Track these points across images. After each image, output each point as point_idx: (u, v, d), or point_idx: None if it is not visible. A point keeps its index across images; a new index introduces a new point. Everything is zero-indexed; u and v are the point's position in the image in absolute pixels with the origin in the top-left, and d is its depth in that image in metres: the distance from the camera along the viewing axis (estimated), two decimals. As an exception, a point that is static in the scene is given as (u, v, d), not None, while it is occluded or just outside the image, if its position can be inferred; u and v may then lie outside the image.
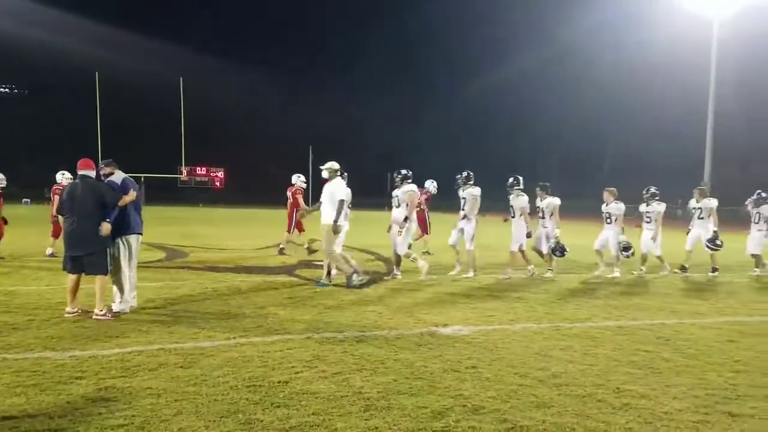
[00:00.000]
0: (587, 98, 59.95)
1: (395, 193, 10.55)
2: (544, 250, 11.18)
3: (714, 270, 11.67)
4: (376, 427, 3.73)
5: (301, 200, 13.80)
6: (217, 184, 55.24)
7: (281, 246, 13.94)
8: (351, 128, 69.07)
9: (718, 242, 11.60)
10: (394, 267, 10.53)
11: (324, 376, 4.71)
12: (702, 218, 11.91)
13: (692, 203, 12.22)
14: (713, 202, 11.86)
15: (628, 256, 11.26)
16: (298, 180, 13.98)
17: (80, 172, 6.87)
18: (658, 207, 11.63)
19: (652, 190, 11.70)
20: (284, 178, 14.70)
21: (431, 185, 14.40)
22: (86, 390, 4.28)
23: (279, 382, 4.54)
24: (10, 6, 50.67)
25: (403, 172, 10.55)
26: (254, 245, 16.36)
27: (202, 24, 69.32)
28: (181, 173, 53.90)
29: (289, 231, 13.94)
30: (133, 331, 6.07)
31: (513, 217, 10.97)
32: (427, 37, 70.88)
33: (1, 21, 51.32)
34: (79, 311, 6.71)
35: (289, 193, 14.06)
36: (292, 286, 9.32)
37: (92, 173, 6.97)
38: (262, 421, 3.79)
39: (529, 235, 10.86)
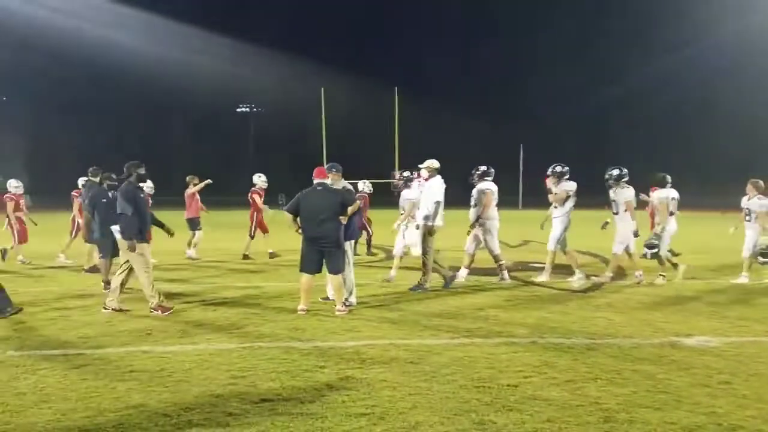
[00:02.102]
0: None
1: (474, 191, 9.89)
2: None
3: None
4: (619, 441, 3.48)
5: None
6: (426, 188, 56.86)
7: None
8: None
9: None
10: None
11: (555, 383, 4.53)
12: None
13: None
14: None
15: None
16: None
17: (316, 180, 7.44)
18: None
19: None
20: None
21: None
22: (329, 378, 4.64)
23: (508, 386, 4.48)
24: (237, 48, 59.29)
25: (482, 168, 9.79)
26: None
27: (411, 36, 71.78)
28: (395, 177, 56.57)
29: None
30: (365, 326, 6.46)
31: (616, 213, 9.50)
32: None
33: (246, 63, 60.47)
34: (307, 310, 7.18)
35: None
36: (509, 287, 9.19)
37: (327, 180, 7.57)
38: (495, 423, 3.76)
39: (636, 234, 9.38)
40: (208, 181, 13.33)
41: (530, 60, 67.11)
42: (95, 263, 10.45)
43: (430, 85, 67.51)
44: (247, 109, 77.83)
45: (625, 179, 9.55)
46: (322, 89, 43.48)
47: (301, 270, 7.30)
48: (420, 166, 9.34)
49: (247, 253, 13.12)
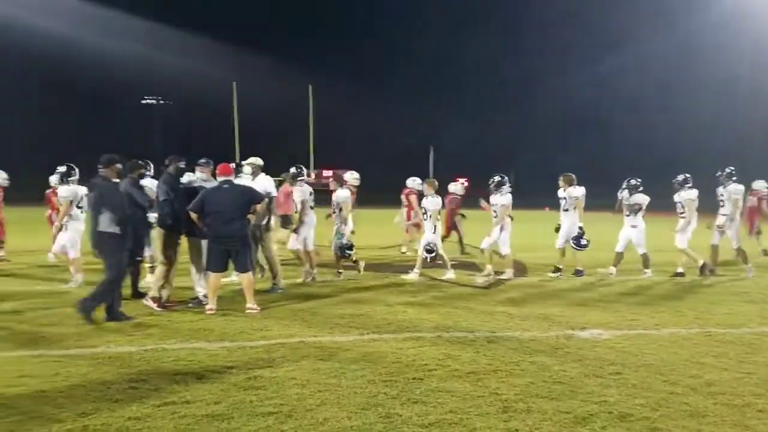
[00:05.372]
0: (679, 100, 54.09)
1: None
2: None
3: (556, 270, 10.43)
4: (517, 430, 3.66)
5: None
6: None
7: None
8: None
9: (583, 242, 10.29)
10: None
11: (458, 375, 4.70)
12: (567, 210, 10.52)
13: (560, 193, 10.78)
14: (578, 191, 10.47)
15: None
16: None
17: (221, 177, 7.29)
18: (642, 199, 10.46)
19: (633, 181, 10.52)
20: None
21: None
22: (237, 378, 4.57)
23: (414, 379, 4.60)
24: (167, 34, 55.94)
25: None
26: (378, 244, 16.62)
27: (333, 36, 71.16)
28: (309, 176, 56.07)
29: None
30: (276, 325, 6.41)
31: (296, 211, 9.73)
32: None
33: (156, 47, 56.90)
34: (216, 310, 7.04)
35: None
36: (419, 285, 9.38)
37: (232, 177, 7.46)
38: (401, 415, 3.85)
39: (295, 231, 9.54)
40: None
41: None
42: None
43: (350, 80, 67.10)
44: (154, 101, 74.04)
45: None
46: (234, 83, 42.49)
47: (208, 269, 7.16)
48: (243, 163, 9.07)
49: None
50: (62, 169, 8.73)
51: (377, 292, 8.61)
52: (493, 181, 10.49)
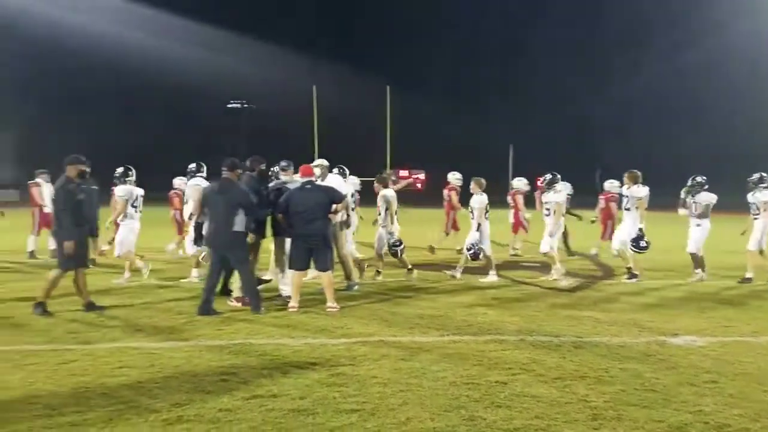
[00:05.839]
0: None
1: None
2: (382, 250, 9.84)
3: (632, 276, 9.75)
4: (607, 438, 3.53)
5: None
6: (419, 185, 56.96)
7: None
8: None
9: (642, 244, 9.44)
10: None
11: (544, 381, 4.58)
12: (628, 208, 9.80)
13: (623, 190, 10.12)
14: (642, 191, 9.65)
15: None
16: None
17: (304, 179, 7.50)
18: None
19: (699, 179, 9.79)
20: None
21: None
22: (320, 375, 4.66)
23: (497, 382, 4.53)
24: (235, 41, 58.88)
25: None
26: (455, 245, 16.47)
27: (408, 37, 71.11)
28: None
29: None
30: (356, 324, 6.49)
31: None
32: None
33: (242, 56, 59.87)
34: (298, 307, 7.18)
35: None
36: (498, 286, 9.22)
37: (314, 179, 7.61)
38: (485, 419, 3.80)
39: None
40: None
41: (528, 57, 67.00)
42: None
43: (423, 81, 67.03)
44: (239, 105, 77.12)
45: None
46: (314, 87, 43.35)
47: (290, 267, 7.37)
48: (312, 165, 8.89)
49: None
50: (120, 169, 9.18)
51: (456, 293, 8.54)
52: (545, 179, 10.17)
